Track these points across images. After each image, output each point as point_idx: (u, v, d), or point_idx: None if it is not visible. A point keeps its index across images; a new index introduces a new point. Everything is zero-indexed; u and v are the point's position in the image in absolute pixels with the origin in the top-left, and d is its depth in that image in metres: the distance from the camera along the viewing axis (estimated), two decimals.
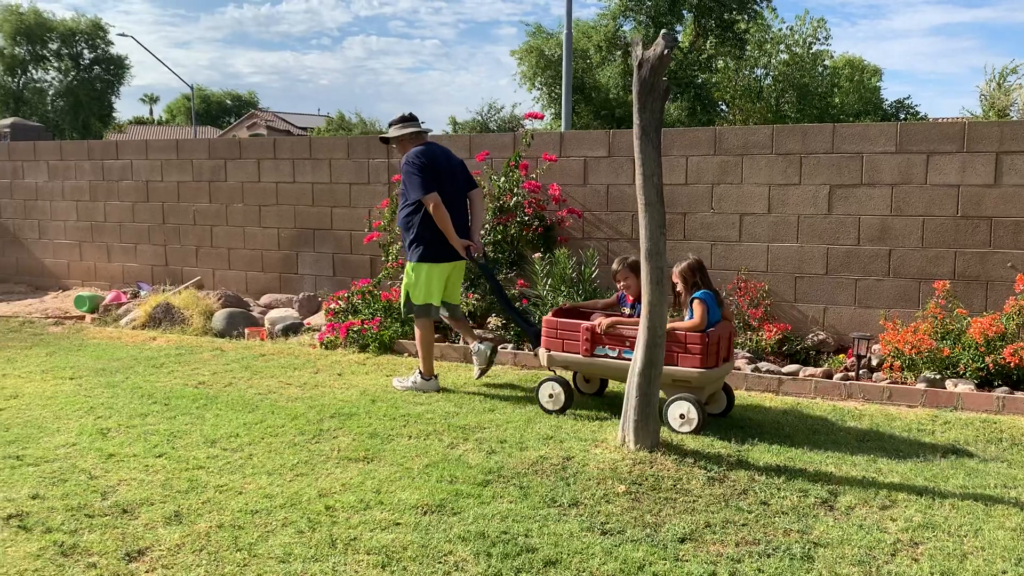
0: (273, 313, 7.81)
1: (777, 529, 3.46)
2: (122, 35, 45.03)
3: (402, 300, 5.90)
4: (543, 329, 5.19)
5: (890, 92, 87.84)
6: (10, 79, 43.08)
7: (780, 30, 31.56)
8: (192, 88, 48.13)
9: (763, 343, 6.29)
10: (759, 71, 32.05)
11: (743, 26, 28.68)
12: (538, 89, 29.77)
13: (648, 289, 4.28)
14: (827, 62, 33.29)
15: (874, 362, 5.97)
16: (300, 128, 49.99)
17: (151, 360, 6.57)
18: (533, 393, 5.31)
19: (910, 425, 4.97)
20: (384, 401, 5.35)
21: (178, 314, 7.83)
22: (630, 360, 4.55)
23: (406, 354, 6.75)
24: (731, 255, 6.78)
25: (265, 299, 8.53)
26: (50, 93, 44.13)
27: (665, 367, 4.57)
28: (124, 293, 8.85)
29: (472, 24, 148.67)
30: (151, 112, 78.66)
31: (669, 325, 4.64)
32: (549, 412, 5.11)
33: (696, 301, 4.83)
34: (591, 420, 4.94)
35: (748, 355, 6.14)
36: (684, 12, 27.96)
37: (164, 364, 6.44)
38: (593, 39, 28.59)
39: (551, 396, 5.13)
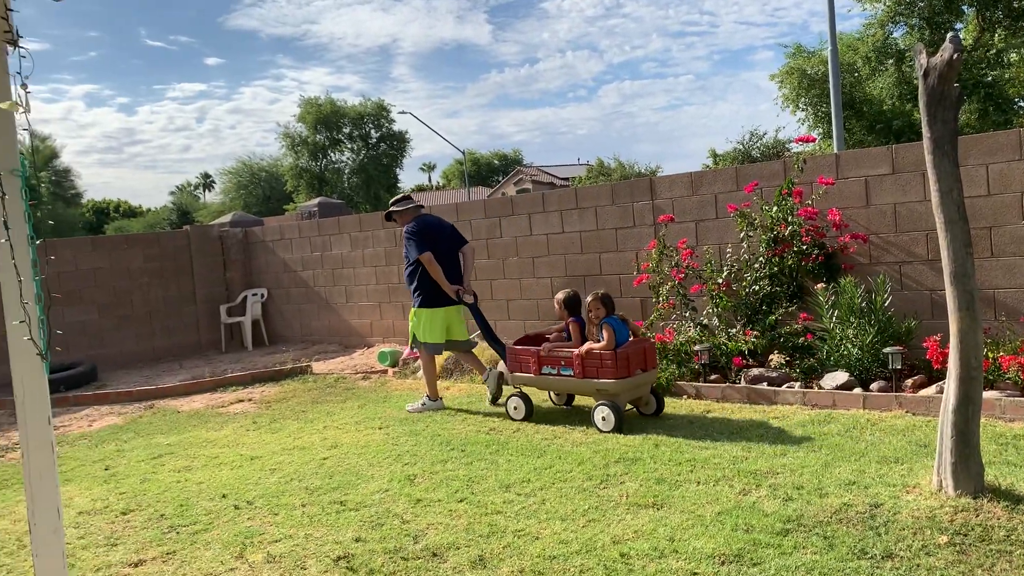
0: None
1: None
2: (402, 113, 49.74)
3: (410, 339, 7.32)
4: (507, 356, 6.54)
5: None
6: (314, 163, 49.11)
7: None
8: (464, 153, 51.73)
9: None
10: None
11: None
12: (802, 110, 28.37)
13: (958, 316, 3.86)
14: None
15: None
16: (562, 179, 51.75)
17: (447, 408, 7.03)
18: (503, 407, 6.61)
19: None
20: (668, 446, 5.28)
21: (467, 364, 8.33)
22: (567, 376, 6.09)
23: (685, 396, 6.64)
24: None
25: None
26: (346, 172, 49.62)
27: (590, 380, 5.93)
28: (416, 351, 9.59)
29: (727, 54, 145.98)
30: (429, 179, 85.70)
31: (587, 347, 6.00)
32: (515, 420, 6.37)
33: (605, 325, 5.96)
34: (898, 463, 4.51)
35: None
36: (964, 8, 25.39)
37: (458, 412, 6.87)
38: (860, 51, 26.82)
39: (515, 408, 6.43)
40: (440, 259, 7.00)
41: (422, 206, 7.54)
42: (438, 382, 8.28)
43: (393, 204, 7.50)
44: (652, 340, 6.53)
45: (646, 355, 6.12)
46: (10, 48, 2.83)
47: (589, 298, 6.22)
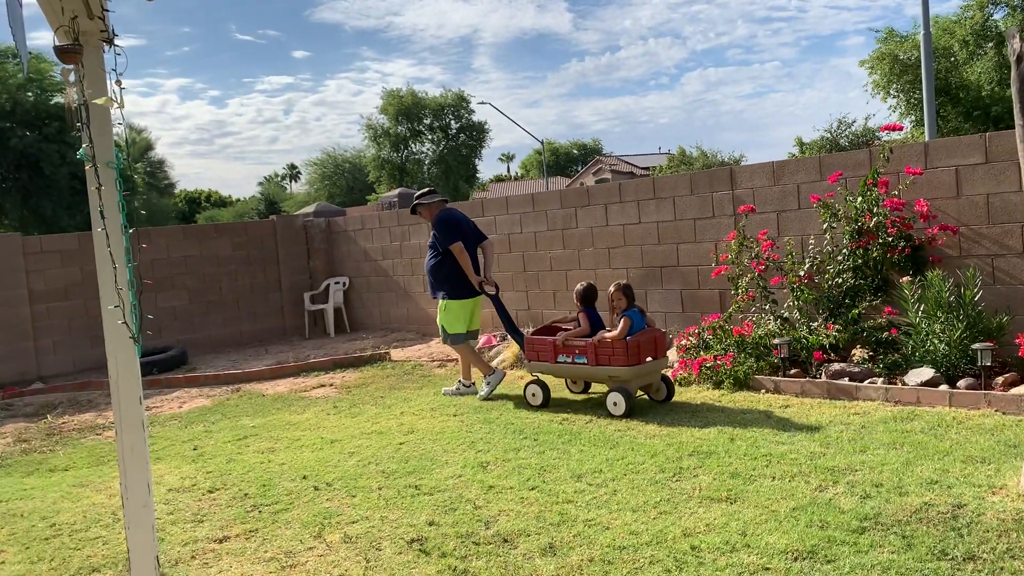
0: None
1: None
2: (482, 103, 50.02)
3: (441, 333, 7.53)
4: (525, 345, 6.87)
5: None
6: (395, 154, 49.85)
7: None
8: (542, 143, 51.74)
9: None
10: None
11: None
12: (893, 97, 27.36)
13: None
14: None
15: None
16: (642, 168, 51.21)
17: (520, 397, 7.09)
18: (522, 394, 6.93)
19: None
20: (743, 440, 5.21)
21: None
22: (581, 364, 6.45)
23: (763, 390, 6.53)
24: None
25: None
26: (426, 163, 50.21)
27: (603, 367, 6.30)
28: (494, 336, 9.69)
29: (815, 39, 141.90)
30: (508, 169, 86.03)
31: (599, 336, 6.38)
32: (532, 407, 6.67)
33: (624, 317, 6.33)
34: (984, 463, 4.35)
35: None
36: None
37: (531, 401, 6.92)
38: (957, 34, 25.68)
39: (533, 395, 6.75)
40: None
41: (447, 200, 7.84)
42: (512, 371, 8.35)
43: (419, 198, 7.73)
44: (663, 331, 6.89)
45: (656, 344, 6.48)
46: (106, 46, 2.99)
47: (611, 288, 6.57)
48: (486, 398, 7.22)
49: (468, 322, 7.48)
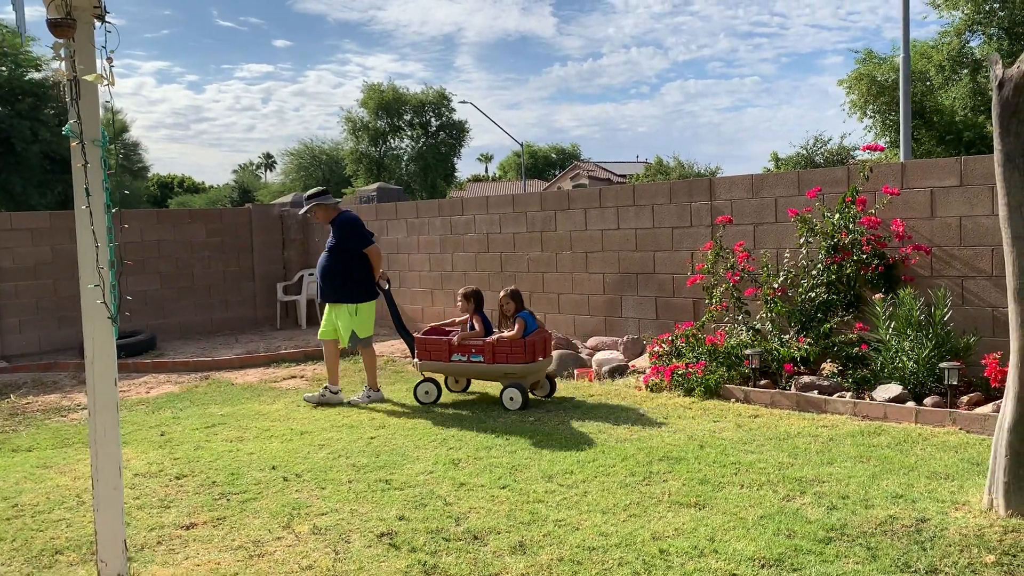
0: (600, 355, 8.07)
1: None
2: (463, 102, 49.92)
3: (347, 337, 7.25)
4: (416, 345, 7.05)
5: None
6: (373, 149, 49.63)
7: None
8: (522, 145, 51.73)
9: None
10: None
11: None
12: (870, 117, 27.77)
13: (1020, 333, 3.78)
14: None
15: None
16: (619, 176, 51.43)
17: (495, 398, 7.10)
18: (412, 393, 7.07)
19: None
20: (713, 447, 5.26)
21: None
22: (477, 362, 6.79)
23: (733, 400, 6.59)
24: None
25: (592, 341, 8.84)
26: (404, 158, 50.05)
27: (500, 365, 6.68)
28: None
29: (795, 57, 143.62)
30: (486, 170, 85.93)
31: (497, 336, 6.78)
32: (424, 404, 6.92)
33: (518, 319, 6.80)
34: (948, 479, 4.44)
35: None
36: None
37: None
38: (934, 59, 26.10)
39: (427, 392, 6.99)
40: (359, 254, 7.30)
41: (339, 202, 7.82)
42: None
43: (317, 197, 7.44)
44: (549, 332, 7.32)
45: (546, 344, 6.97)
46: (97, 23, 2.95)
47: (502, 293, 7.05)
48: (312, 401, 7.15)
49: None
